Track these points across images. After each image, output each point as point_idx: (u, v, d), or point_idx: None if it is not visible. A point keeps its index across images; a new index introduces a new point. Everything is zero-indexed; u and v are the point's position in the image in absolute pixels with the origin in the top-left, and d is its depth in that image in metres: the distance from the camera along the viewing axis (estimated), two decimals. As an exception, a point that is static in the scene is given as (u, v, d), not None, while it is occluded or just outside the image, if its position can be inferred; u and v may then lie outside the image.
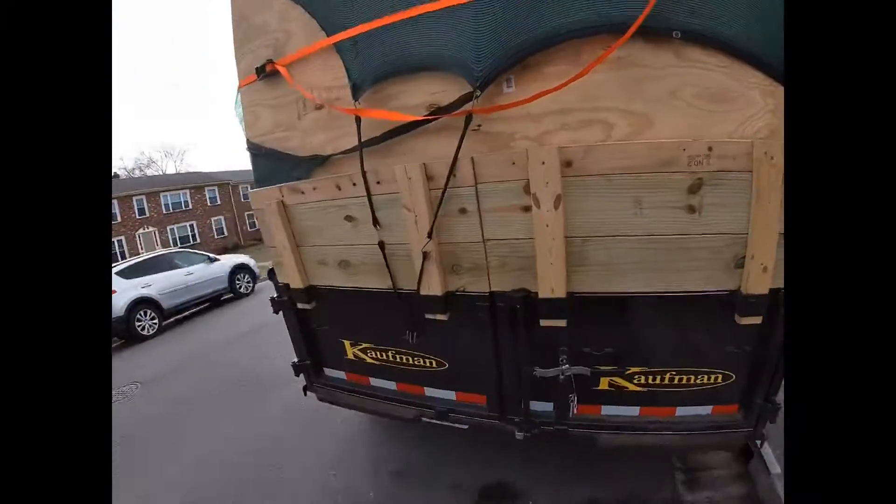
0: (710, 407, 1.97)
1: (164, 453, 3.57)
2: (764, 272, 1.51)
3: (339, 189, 1.90)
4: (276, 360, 5.18)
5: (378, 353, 2.32)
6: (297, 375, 2.71)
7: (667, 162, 1.48)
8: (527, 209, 1.63)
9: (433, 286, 1.85)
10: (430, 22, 1.62)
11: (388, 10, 1.68)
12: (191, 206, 32.73)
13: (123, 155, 71.95)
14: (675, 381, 1.89)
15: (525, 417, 2.05)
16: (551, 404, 2.03)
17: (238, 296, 10.85)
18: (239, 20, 2.19)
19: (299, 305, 2.34)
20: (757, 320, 1.61)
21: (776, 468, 2.29)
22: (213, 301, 10.36)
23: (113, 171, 40.58)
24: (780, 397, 1.87)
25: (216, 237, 33.20)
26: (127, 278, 8.63)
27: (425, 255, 1.78)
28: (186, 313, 9.78)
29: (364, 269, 2.03)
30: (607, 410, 2.03)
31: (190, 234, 31.91)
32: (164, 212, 31.09)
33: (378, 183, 1.80)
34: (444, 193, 1.68)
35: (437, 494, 2.61)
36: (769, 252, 1.49)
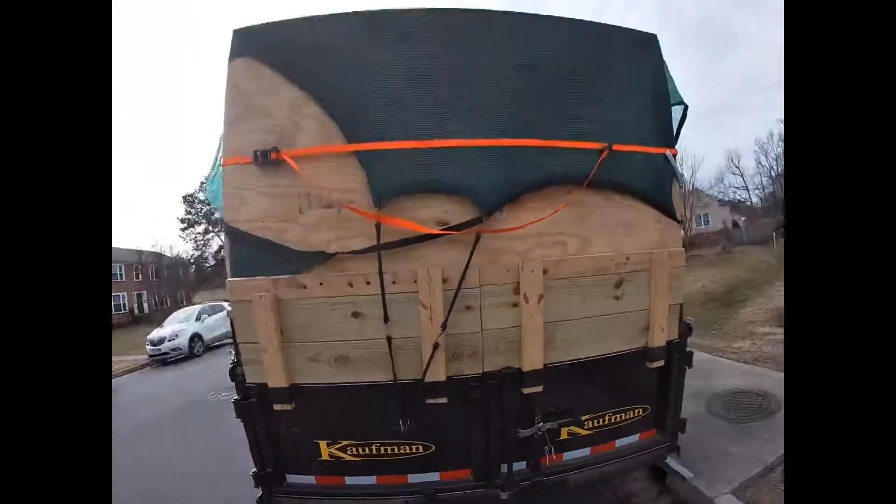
0: (638, 434, 2.62)
1: None
2: (661, 331, 2.33)
3: (351, 286, 2.07)
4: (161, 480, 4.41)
5: (360, 448, 2.34)
6: (257, 486, 2.48)
7: (603, 268, 2.22)
8: (515, 305, 2.12)
9: (438, 373, 2.10)
10: (447, 154, 2.09)
11: (415, 136, 2.08)
12: None
13: None
14: (613, 420, 2.51)
15: (508, 478, 2.34)
16: (524, 462, 2.40)
17: None
18: (236, 96, 2.18)
19: (276, 407, 2.23)
20: (661, 364, 2.41)
21: (689, 473, 3.02)
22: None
23: None
24: (683, 413, 2.69)
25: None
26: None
27: (436, 346, 2.05)
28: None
29: (363, 364, 2.15)
30: (568, 455, 2.48)
31: None
32: None
33: (394, 283, 2.05)
34: (457, 293, 2.03)
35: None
36: (663, 318, 2.32)
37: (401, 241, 2.07)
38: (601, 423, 2.50)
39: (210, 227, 49.75)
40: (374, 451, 2.35)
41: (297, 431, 2.35)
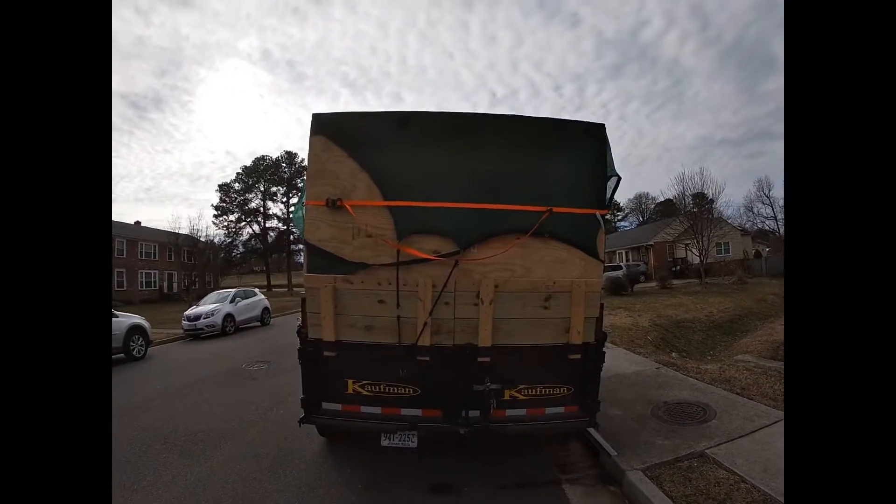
0: (563, 407, 3.77)
1: None
2: (578, 334, 3.53)
3: (379, 284, 3.45)
4: (210, 421, 5.63)
5: (373, 386, 3.69)
6: (303, 408, 3.79)
7: (536, 288, 3.48)
8: (476, 304, 3.44)
9: (425, 340, 3.46)
10: (443, 211, 3.43)
11: (424, 199, 3.43)
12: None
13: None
14: (544, 392, 3.70)
15: (465, 419, 3.60)
16: (478, 411, 3.63)
17: (130, 358, 10.40)
18: (314, 160, 3.45)
19: (325, 353, 3.58)
20: (578, 356, 3.59)
21: (613, 452, 3.98)
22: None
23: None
24: (601, 396, 3.76)
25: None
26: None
27: (426, 324, 3.41)
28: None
29: (381, 331, 3.52)
30: (509, 412, 3.70)
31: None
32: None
33: (404, 285, 3.42)
34: (440, 294, 3.39)
35: (400, 495, 3.70)
36: (580, 325, 3.52)
37: (410, 261, 3.43)
38: (535, 393, 3.73)
39: (243, 217, 52.34)
40: (382, 390, 3.69)
41: (335, 371, 3.69)
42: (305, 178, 3.67)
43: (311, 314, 3.58)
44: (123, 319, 10.70)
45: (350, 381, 3.71)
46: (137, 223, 42.05)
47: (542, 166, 3.56)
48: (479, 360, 3.52)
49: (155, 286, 38.32)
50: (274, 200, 54.52)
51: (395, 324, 3.48)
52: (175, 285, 39.23)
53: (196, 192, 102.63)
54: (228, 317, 15.85)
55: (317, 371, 3.71)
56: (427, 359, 3.51)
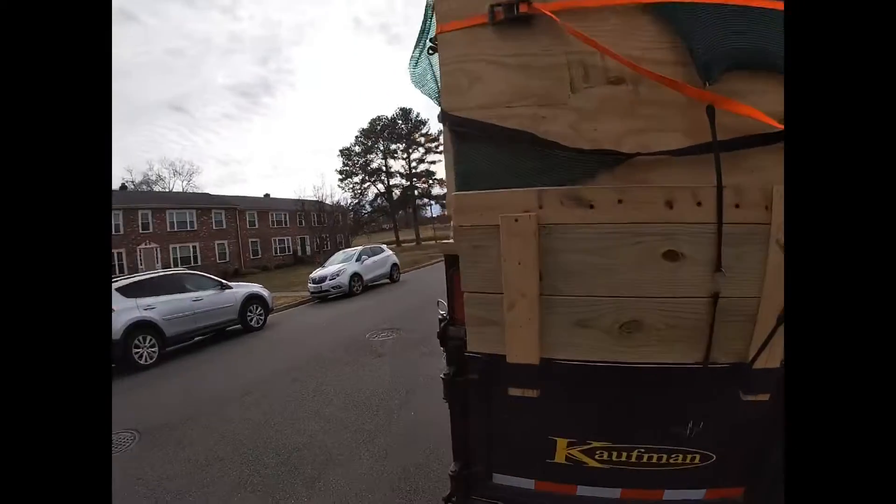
0: None
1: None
2: None
3: (671, 208, 1.23)
4: (313, 429, 4.20)
5: (616, 453, 1.58)
6: (454, 483, 1.86)
7: None
8: None
9: (774, 356, 1.24)
10: None
11: None
12: (196, 227, 32.92)
13: (132, 167, 74.09)
14: None
15: None
16: None
17: (247, 328, 10.02)
18: None
19: (513, 392, 1.50)
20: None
21: None
22: (218, 332, 9.65)
23: (119, 182, 41.42)
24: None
25: (218, 261, 33.01)
26: (128, 297, 7.90)
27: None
28: (189, 343, 9.07)
29: (666, 335, 1.32)
30: None
31: (192, 254, 32.01)
32: (169, 229, 31.31)
33: (737, 206, 1.18)
34: None
35: None
36: None
37: (744, 140, 1.20)
38: None
39: (367, 178, 54.83)
40: (635, 459, 1.58)
41: (529, 424, 1.62)
42: None
43: (473, 297, 1.48)
44: (239, 290, 10.26)
45: (562, 442, 1.63)
46: (266, 195, 45.55)
47: None
48: None
49: (289, 251, 40.90)
50: (395, 158, 54.52)
51: (705, 314, 1.28)
52: (308, 248, 41.91)
53: (320, 161, 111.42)
54: (355, 276, 15.10)
55: (489, 423, 1.70)
56: (766, 398, 1.32)
